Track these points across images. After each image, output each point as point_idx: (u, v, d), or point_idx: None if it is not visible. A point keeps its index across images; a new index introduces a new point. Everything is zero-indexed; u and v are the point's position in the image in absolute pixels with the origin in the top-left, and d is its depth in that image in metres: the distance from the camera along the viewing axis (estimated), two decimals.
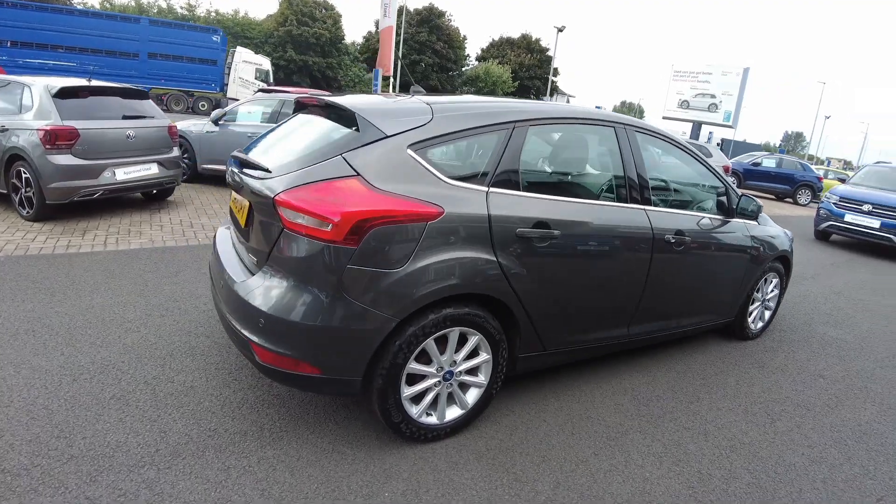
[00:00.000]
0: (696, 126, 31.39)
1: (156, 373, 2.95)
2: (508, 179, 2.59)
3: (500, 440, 2.70)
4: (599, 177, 3.24)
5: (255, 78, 25.16)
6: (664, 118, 33.17)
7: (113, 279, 4.16)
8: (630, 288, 3.18)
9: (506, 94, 49.23)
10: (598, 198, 3.07)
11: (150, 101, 6.23)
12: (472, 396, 2.69)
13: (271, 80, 26.59)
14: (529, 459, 2.59)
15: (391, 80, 15.07)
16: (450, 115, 2.53)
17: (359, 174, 2.23)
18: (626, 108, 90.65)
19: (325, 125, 2.65)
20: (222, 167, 7.91)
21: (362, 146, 2.30)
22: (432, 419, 2.59)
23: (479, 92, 47.95)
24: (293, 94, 8.94)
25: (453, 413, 2.65)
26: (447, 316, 2.40)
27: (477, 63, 52.71)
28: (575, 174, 3.24)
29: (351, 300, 2.21)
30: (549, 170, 3.07)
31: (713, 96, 30.71)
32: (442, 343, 2.50)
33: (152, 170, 5.98)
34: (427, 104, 2.56)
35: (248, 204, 2.51)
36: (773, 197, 19.56)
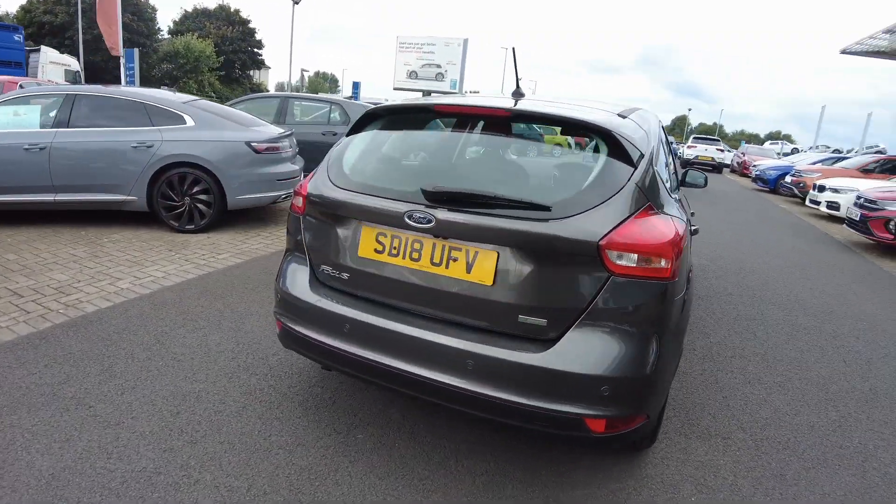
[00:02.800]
0: (426, 94, 33.73)
1: None
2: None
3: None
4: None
5: (66, 80, 20.55)
6: (395, 89, 34.72)
7: (34, 413, 2.40)
8: None
9: (210, 71, 44.40)
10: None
11: None
12: None
13: (82, 82, 22.09)
14: (704, 417, 2.92)
15: (122, 63, 11.92)
16: (637, 124, 2.41)
17: (649, 201, 2.06)
18: (321, 77, 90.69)
19: (540, 144, 2.45)
20: None
21: (637, 170, 2.07)
22: None
23: (181, 69, 42.04)
24: (72, 88, 6.41)
25: None
26: None
27: (170, 37, 45.94)
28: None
29: (676, 333, 2.15)
30: None
31: (439, 66, 33.28)
32: None
33: None
34: (608, 111, 2.39)
35: (495, 255, 1.97)
36: None
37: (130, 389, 2.68)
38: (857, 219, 8.72)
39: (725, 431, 2.81)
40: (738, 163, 24.73)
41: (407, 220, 2.03)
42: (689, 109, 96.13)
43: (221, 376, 2.88)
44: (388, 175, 2.35)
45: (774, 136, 78.42)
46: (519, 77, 2.63)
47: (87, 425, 2.37)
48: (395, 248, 2.12)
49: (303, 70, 39.23)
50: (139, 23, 38.62)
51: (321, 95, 11.41)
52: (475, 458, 2.40)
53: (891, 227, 8.10)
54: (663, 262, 1.90)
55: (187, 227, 5.69)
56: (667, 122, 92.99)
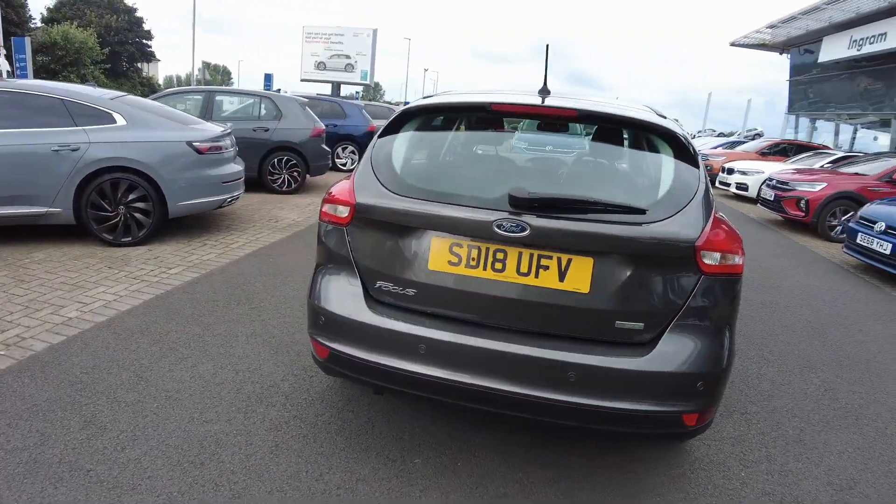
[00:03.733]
0: (336, 86, 32.74)
1: None
2: None
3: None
4: None
5: None
6: (303, 80, 33.37)
7: (18, 488, 1.92)
8: None
9: (94, 63, 40.28)
10: None
11: None
12: None
13: (5, 78, 17.27)
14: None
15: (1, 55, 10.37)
16: (679, 125, 2.53)
17: (713, 200, 2.13)
18: (212, 70, 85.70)
19: (611, 147, 2.39)
20: None
21: (701, 170, 2.11)
22: None
23: (59, 61, 37.65)
24: None
25: None
26: None
27: (44, 25, 41.06)
28: None
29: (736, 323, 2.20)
30: None
31: (348, 57, 32.30)
32: None
33: None
34: (649, 110, 2.42)
35: (591, 261, 1.93)
36: None
37: (131, 442, 2.25)
38: (772, 199, 9.53)
39: (741, 407, 3.00)
40: None
41: (496, 229, 1.90)
42: None
43: (235, 412, 2.51)
44: (458, 180, 2.19)
45: None
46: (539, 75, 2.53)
47: (95, 496, 1.94)
48: (473, 259, 1.98)
49: (204, 62, 36.34)
50: (7, 9, 34.13)
51: (249, 89, 10.63)
52: (540, 468, 2.33)
53: (802, 205, 8.93)
54: (737, 259, 1.98)
55: (123, 239, 5.01)
56: None
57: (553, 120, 2.41)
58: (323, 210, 2.27)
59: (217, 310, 3.73)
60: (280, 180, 8.63)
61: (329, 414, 2.57)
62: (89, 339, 3.16)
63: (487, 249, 1.97)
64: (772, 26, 19.79)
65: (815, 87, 20.64)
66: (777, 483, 2.39)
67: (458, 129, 2.53)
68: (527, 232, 1.89)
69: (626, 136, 2.44)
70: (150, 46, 50.71)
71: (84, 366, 2.85)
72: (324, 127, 9.19)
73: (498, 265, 1.96)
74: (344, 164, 12.30)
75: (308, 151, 8.72)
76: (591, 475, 2.31)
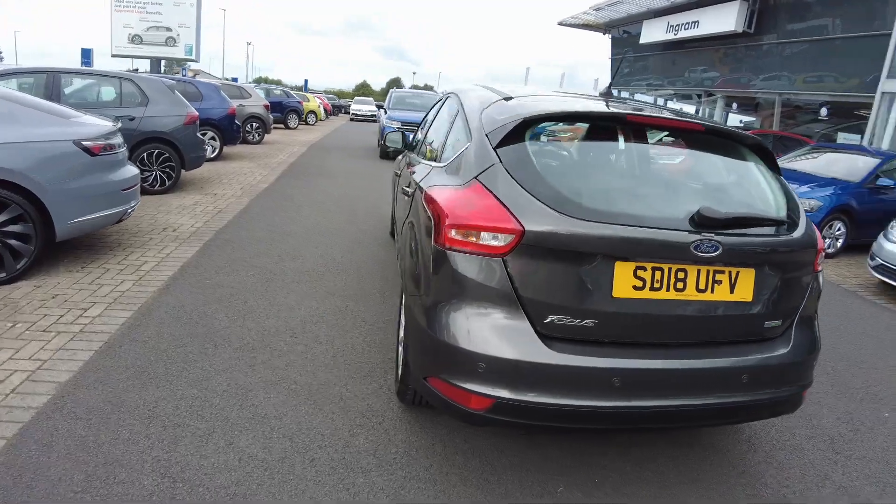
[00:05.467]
0: (156, 62, 28.58)
1: None
2: None
3: None
4: None
5: None
6: (115, 56, 28.46)
7: None
8: None
9: None
10: None
11: None
12: None
13: None
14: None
15: None
16: None
17: None
18: None
19: (721, 159, 2.43)
20: None
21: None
22: None
23: None
24: None
25: None
26: None
27: None
28: None
29: None
30: None
31: (169, 29, 28.35)
32: None
33: None
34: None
35: (753, 272, 2.05)
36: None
37: None
38: None
39: None
40: None
41: (694, 250, 1.91)
42: (414, 73, 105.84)
43: (334, 491, 2.00)
44: (629, 198, 2.14)
45: None
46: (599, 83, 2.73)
47: None
48: (657, 281, 1.95)
49: None
50: None
51: (106, 70, 8.55)
52: (659, 465, 2.42)
53: None
54: (822, 255, 2.28)
55: None
56: (381, 84, 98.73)
57: (680, 133, 2.46)
58: (450, 237, 1.89)
59: (195, 359, 2.94)
60: (151, 178, 7.22)
61: (437, 465, 2.22)
62: (45, 436, 2.24)
63: (669, 270, 1.96)
64: (597, 8, 21.66)
65: (634, 64, 23.22)
66: (808, 426, 2.81)
67: (601, 140, 2.47)
68: (719, 251, 1.92)
69: (722, 148, 2.45)
70: None
71: (73, 482, 1.99)
72: (197, 113, 7.88)
73: (679, 284, 1.97)
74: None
75: (182, 142, 7.41)
76: (700, 457, 2.50)
